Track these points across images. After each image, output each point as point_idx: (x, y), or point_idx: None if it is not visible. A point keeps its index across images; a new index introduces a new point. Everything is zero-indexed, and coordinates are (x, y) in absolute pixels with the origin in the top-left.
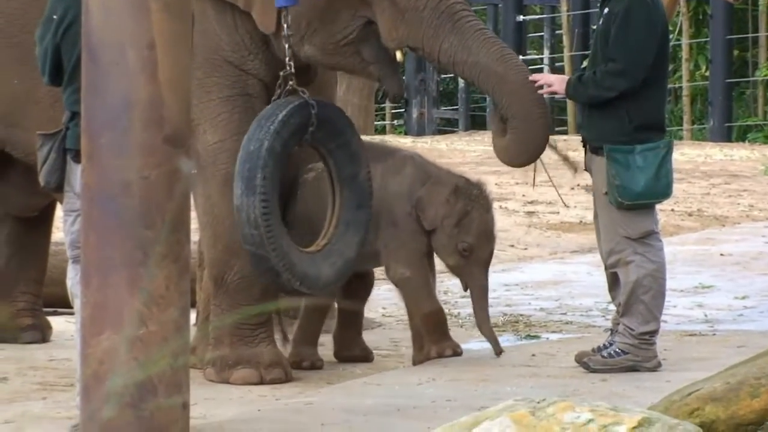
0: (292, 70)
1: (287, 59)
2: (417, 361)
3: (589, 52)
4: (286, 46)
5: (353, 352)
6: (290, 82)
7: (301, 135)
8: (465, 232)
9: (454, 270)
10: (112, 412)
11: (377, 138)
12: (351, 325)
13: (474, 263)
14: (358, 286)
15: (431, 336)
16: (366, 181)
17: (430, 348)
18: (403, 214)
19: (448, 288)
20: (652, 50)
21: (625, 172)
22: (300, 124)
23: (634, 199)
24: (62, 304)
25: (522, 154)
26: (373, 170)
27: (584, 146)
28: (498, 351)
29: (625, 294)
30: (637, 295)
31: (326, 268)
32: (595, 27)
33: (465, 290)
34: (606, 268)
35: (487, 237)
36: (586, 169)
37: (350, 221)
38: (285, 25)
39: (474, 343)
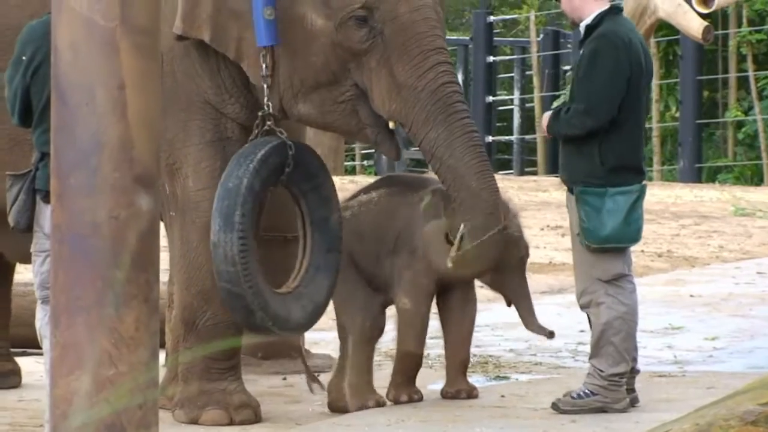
0: (270, 110)
1: (265, 99)
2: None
3: (559, 93)
4: (264, 86)
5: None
6: (268, 122)
7: (279, 175)
8: None
9: (491, 286)
10: None
11: (347, 178)
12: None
13: (507, 273)
14: None
15: (397, 376)
16: (337, 224)
17: (390, 389)
18: (422, 242)
19: None
20: (618, 92)
21: (594, 215)
22: (278, 164)
23: (600, 243)
24: (31, 344)
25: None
26: (407, 198)
27: (565, 185)
28: (550, 334)
29: (595, 335)
30: (607, 336)
31: (297, 310)
32: (566, 68)
33: (509, 306)
34: (580, 308)
35: (512, 243)
36: (567, 207)
37: (320, 265)
38: (264, 65)
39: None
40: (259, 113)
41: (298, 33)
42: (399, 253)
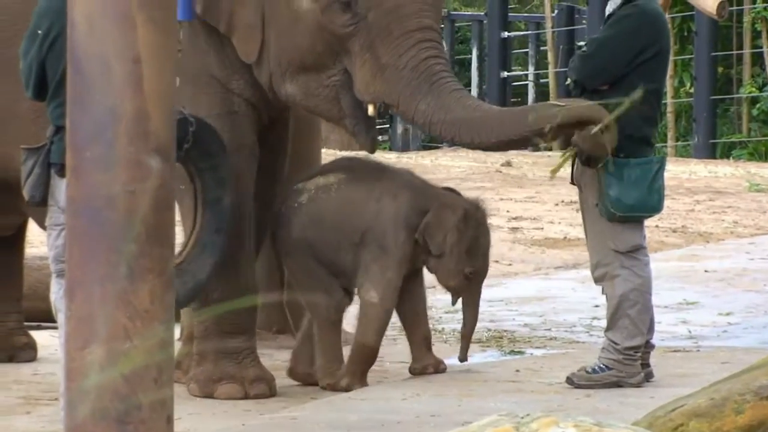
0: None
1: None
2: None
3: None
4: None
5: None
6: None
7: (176, 150)
8: (473, 258)
9: (454, 291)
10: (88, 411)
11: (361, 153)
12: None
13: (474, 283)
14: None
15: (351, 366)
16: (228, 206)
17: (342, 377)
18: (394, 240)
19: (432, 303)
20: (623, 60)
21: (618, 184)
22: (177, 139)
23: (626, 211)
24: (46, 318)
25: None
26: (371, 189)
27: (574, 160)
28: (463, 358)
29: (610, 308)
30: (624, 309)
31: (177, 286)
32: (580, 44)
33: (453, 305)
34: (595, 281)
35: (486, 257)
36: (573, 183)
37: (207, 244)
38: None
39: (457, 359)
40: None
41: (285, 13)
42: (367, 246)
